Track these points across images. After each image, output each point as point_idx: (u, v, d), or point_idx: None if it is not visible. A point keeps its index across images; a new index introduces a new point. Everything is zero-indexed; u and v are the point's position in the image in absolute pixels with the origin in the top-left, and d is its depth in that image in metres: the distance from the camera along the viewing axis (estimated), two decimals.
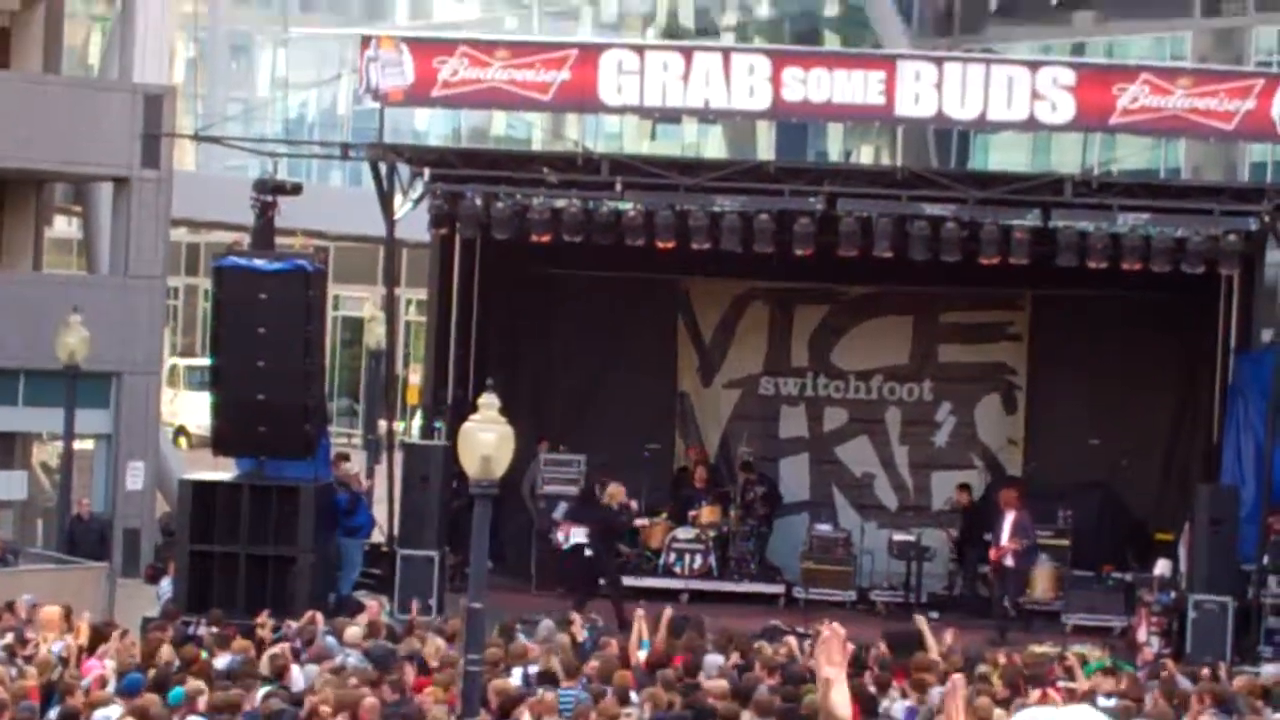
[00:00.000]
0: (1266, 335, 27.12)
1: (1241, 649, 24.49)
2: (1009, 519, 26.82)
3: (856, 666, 20.35)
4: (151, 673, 17.98)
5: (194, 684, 16.96)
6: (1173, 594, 25.95)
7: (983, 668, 20.08)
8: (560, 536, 27.92)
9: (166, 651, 19.04)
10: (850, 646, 5.59)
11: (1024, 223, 25.93)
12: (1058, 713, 4.94)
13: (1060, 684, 19.17)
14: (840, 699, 4.97)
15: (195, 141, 36.36)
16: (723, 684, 17.76)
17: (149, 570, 31.24)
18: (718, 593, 27.86)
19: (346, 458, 28.76)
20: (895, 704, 17.84)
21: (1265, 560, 25.91)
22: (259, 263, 25.56)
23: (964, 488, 28.79)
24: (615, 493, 27.05)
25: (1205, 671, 20.92)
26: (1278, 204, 25.82)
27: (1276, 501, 26.25)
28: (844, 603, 27.72)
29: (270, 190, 26.05)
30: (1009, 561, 26.74)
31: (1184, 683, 19.92)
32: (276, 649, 19.31)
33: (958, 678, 5.38)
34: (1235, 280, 26.93)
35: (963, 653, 21.85)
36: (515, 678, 18.24)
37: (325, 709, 16.17)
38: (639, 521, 28.58)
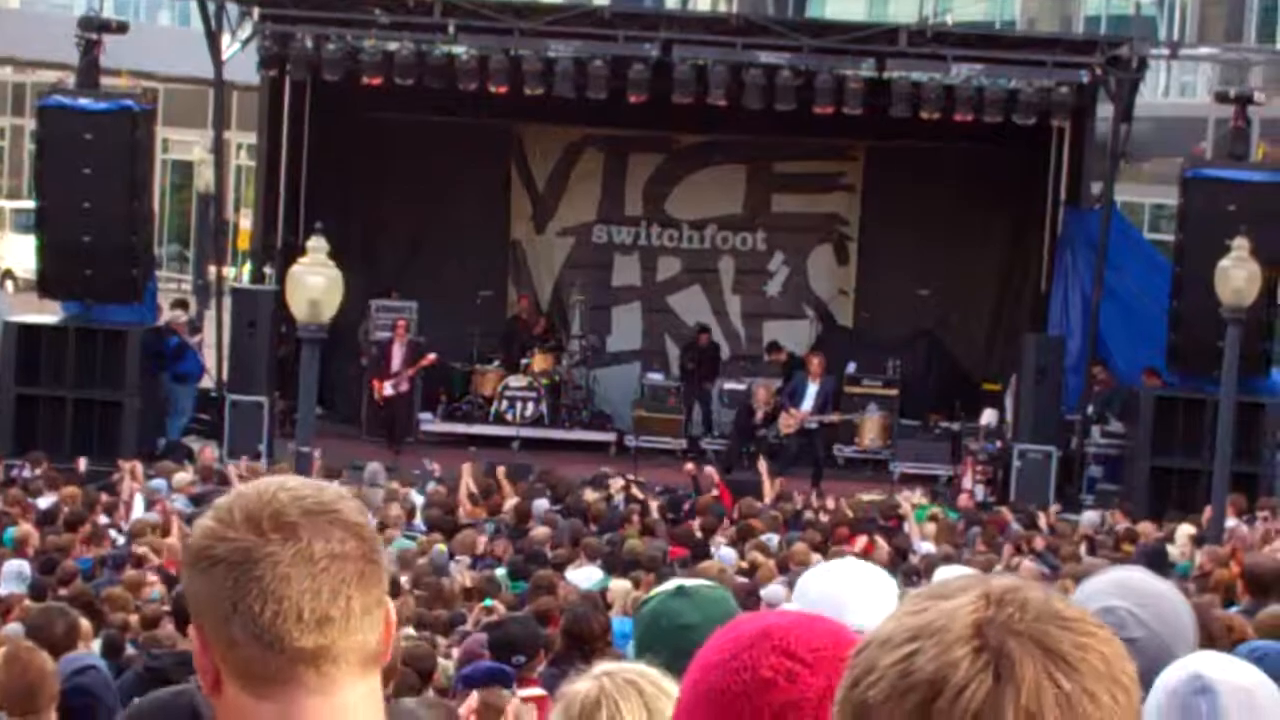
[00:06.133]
0: (1096, 188, 27.40)
1: (1064, 497, 24.90)
2: (812, 390, 26.52)
3: (675, 512, 20.53)
4: None
5: (23, 528, 16.77)
6: (998, 443, 26.33)
7: (808, 514, 20.29)
8: (388, 386, 27.74)
9: None
10: None
11: (859, 72, 25.93)
12: (844, 568, 4.85)
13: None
14: None
15: None
16: (546, 530, 17.85)
17: None
18: (549, 440, 27.89)
19: (185, 304, 28.38)
20: (721, 550, 17.92)
21: (1089, 410, 26.35)
22: (84, 102, 25.08)
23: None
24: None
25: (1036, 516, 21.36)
26: (1110, 57, 26.02)
27: (1101, 353, 26.68)
28: (675, 450, 27.83)
29: (96, 28, 25.49)
30: (812, 425, 26.36)
31: (1015, 529, 20.31)
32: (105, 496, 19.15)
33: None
34: (1066, 133, 27.18)
35: (790, 499, 22.10)
36: None
37: (149, 554, 16.08)
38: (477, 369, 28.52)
